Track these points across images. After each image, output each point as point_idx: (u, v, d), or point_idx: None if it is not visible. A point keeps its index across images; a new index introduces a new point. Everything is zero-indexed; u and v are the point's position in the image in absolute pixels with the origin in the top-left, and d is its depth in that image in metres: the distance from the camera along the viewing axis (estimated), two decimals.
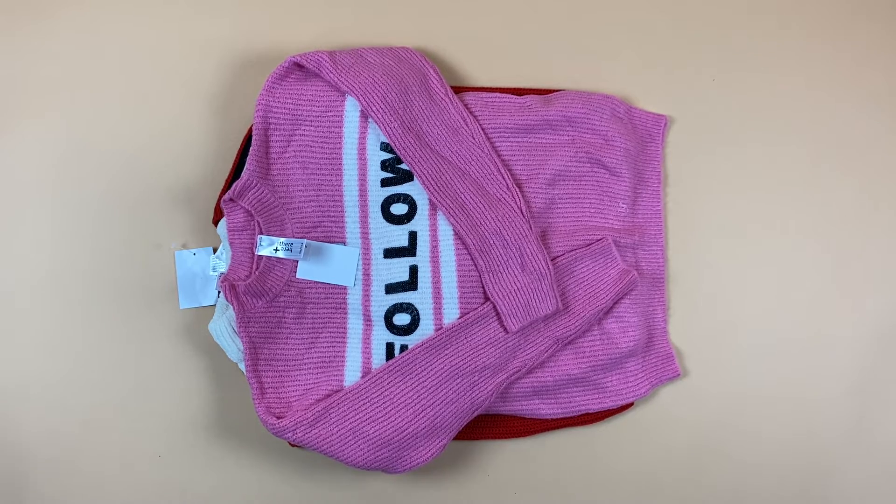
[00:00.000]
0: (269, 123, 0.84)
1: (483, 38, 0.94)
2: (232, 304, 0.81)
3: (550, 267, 0.85)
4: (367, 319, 0.86)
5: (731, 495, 0.93)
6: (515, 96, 0.91)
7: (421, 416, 0.82)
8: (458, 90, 0.91)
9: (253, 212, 0.83)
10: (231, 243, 0.84)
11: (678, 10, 0.96)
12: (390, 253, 0.86)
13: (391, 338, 0.85)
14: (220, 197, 0.87)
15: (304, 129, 0.85)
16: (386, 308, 0.85)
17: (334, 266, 0.85)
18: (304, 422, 0.80)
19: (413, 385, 0.83)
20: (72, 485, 0.88)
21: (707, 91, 0.96)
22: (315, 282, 0.85)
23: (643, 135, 0.94)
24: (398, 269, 0.86)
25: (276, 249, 0.83)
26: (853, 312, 0.95)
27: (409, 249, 0.86)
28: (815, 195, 0.95)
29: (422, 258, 0.86)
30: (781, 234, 0.95)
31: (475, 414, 0.85)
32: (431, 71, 0.88)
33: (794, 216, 0.95)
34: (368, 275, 0.86)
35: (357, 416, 0.81)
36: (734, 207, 0.95)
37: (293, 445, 0.85)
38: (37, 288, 0.88)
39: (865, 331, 0.94)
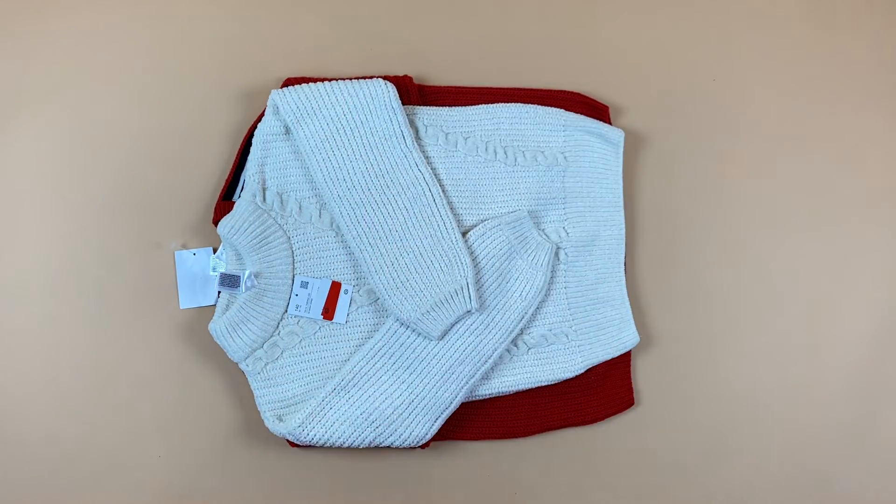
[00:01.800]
0: None
1: (483, 38, 0.94)
2: None
3: None
4: None
5: (730, 495, 0.93)
6: None
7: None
8: (459, 90, 0.91)
9: None
10: None
11: (679, 11, 0.96)
12: None
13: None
14: (220, 197, 0.87)
15: None
16: None
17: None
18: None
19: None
20: (72, 485, 0.88)
21: (708, 91, 0.96)
22: None
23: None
24: None
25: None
26: (853, 312, 0.94)
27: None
28: (816, 194, 0.95)
29: None
30: (781, 234, 0.95)
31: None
32: None
33: (793, 215, 0.95)
34: None
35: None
36: (734, 206, 0.95)
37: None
38: (37, 288, 0.88)
39: (865, 330, 0.94)
